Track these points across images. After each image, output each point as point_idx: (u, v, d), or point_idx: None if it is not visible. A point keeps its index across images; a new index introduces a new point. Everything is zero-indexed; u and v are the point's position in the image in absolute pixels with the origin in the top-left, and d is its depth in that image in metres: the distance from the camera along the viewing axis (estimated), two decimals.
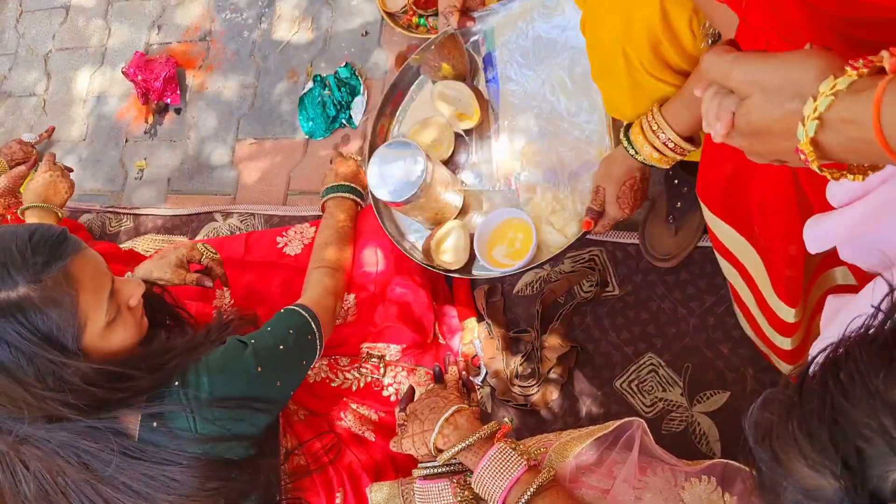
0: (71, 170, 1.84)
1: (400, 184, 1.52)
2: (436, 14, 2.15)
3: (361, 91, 2.24)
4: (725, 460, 1.23)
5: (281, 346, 1.29)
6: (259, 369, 1.23)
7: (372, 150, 1.76)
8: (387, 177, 1.53)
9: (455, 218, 1.68)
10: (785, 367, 1.40)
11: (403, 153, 1.53)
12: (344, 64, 2.28)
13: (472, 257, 1.64)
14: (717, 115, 0.69)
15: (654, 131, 1.24)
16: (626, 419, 1.25)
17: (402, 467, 1.55)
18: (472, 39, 1.78)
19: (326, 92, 2.26)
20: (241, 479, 1.20)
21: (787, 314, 1.18)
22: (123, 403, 1.11)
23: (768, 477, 0.56)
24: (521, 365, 1.73)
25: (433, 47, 1.69)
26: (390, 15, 2.23)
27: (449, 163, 1.73)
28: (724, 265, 1.32)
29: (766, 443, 0.57)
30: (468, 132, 1.74)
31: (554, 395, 1.69)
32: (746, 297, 1.32)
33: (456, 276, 1.67)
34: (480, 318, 1.82)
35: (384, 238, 1.69)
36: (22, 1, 3.03)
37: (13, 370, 1.05)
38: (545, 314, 1.75)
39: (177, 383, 1.15)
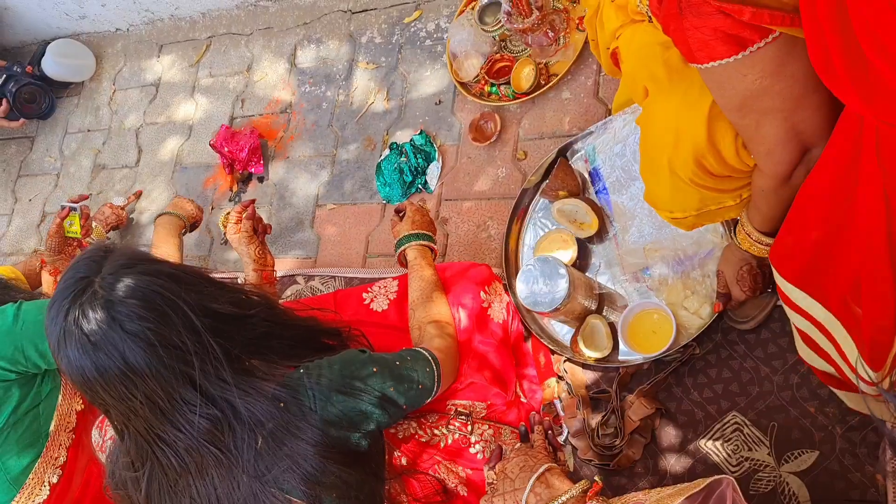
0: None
1: (547, 295, 1.73)
2: (507, 83, 2.24)
3: (436, 157, 2.33)
4: None
5: (397, 363, 1.42)
6: (375, 369, 1.36)
7: (509, 267, 2.02)
8: (535, 290, 1.75)
9: (594, 313, 1.84)
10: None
11: (547, 268, 1.75)
12: (419, 131, 2.38)
13: (614, 347, 1.81)
14: None
15: (748, 234, 1.44)
16: (717, 476, 1.26)
17: None
18: (576, 157, 2.03)
19: (403, 158, 2.35)
20: (355, 475, 1.30)
21: (871, 375, 1.18)
22: (262, 373, 1.25)
23: None
24: (602, 425, 1.75)
25: (550, 178, 1.96)
26: (463, 84, 2.34)
27: (577, 267, 1.92)
28: (796, 317, 1.32)
29: None
30: (589, 239, 1.95)
31: (637, 455, 1.70)
32: (826, 346, 1.32)
33: (606, 366, 1.81)
34: (560, 378, 1.85)
35: (466, 295, 1.75)
36: (115, 80, 3.25)
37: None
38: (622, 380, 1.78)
39: (301, 371, 1.29)
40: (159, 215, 2.22)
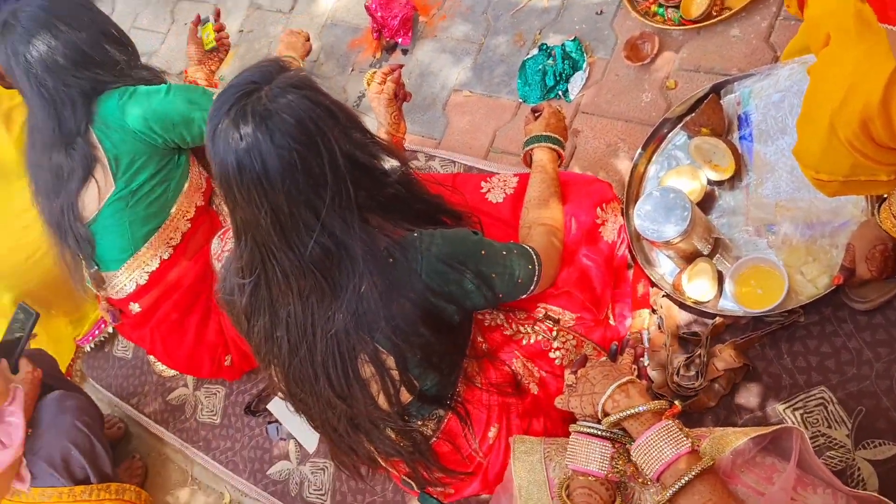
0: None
1: (665, 226, 1.68)
2: (676, 7, 2.15)
3: (584, 67, 2.28)
4: (883, 497, 1.20)
5: (504, 252, 1.46)
6: (483, 252, 1.41)
7: (630, 191, 1.97)
8: (654, 218, 1.70)
9: (705, 257, 1.80)
10: None
11: (671, 200, 1.69)
12: (573, 38, 2.33)
13: (717, 295, 1.77)
14: None
15: (894, 214, 1.36)
16: (787, 425, 1.25)
17: (550, 429, 1.61)
18: (729, 97, 1.92)
19: (549, 61, 2.31)
20: (441, 343, 1.37)
21: None
22: (380, 228, 1.32)
23: None
24: (684, 366, 1.74)
25: (696, 113, 1.88)
26: None
27: (700, 207, 1.85)
28: None
29: None
30: (720, 183, 1.87)
31: (712, 403, 1.69)
32: None
33: (703, 311, 1.78)
34: (653, 312, 1.85)
35: (582, 207, 1.74)
36: None
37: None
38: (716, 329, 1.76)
39: (416, 235, 1.35)
40: None
